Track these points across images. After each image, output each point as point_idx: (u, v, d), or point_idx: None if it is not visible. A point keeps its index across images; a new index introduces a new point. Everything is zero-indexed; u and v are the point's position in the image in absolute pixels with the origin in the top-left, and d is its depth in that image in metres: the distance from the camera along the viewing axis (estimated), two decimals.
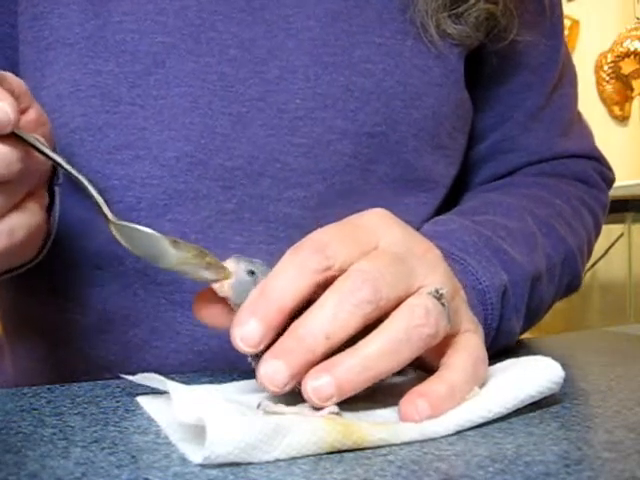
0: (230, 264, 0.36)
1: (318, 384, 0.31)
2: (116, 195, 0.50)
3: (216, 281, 0.36)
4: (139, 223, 0.36)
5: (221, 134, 0.50)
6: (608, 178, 0.68)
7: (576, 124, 0.66)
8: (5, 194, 0.36)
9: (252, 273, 0.35)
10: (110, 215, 0.36)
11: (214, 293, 0.36)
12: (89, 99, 0.49)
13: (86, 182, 0.37)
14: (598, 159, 0.67)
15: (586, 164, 0.65)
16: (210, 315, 0.37)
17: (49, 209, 0.45)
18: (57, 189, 0.46)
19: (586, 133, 0.67)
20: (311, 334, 0.32)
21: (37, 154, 0.37)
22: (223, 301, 0.36)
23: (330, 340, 0.32)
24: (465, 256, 0.47)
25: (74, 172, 0.37)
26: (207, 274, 0.35)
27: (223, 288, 0.35)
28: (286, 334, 0.32)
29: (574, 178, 0.64)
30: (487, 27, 0.55)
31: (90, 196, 0.37)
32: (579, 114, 0.67)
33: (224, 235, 0.50)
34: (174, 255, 0.35)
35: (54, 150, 0.38)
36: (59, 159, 0.37)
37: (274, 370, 0.32)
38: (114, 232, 0.36)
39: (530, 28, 0.57)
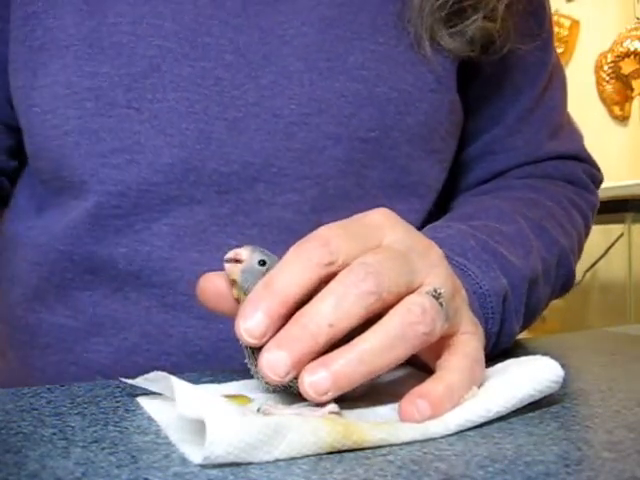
0: (245, 251, 0.36)
1: (315, 379, 0.31)
2: (112, 200, 0.50)
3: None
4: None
5: (216, 139, 0.50)
6: (597, 179, 0.68)
7: (566, 126, 0.66)
8: None
9: (263, 263, 0.36)
10: None
11: (221, 279, 0.37)
12: (84, 102, 0.49)
13: None
14: (587, 160, 0.67)
15: (575, 166, 0.66)
16: (214, 299, 0.37)
17: None
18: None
19: (575, 135, 0.67)
20: (314, 322, 0.32)
21: None
22: (229, 289, 0.37)
23: (333, 328, 0.32)
24: (464, 261, 0.47)
25: None
26: None
27: (233, 269, 0.36)
28: (289, 323, 0.33)
29: (564, 179, 0.64)
30: (482, 42, 0.55)
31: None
32: (569, 116, 0.67)
33: (218, 239, 0.50)
34: None
35: None
36: None
37: (276, 358, 0.32)
38: None
39: (522, 37, 0.57)
